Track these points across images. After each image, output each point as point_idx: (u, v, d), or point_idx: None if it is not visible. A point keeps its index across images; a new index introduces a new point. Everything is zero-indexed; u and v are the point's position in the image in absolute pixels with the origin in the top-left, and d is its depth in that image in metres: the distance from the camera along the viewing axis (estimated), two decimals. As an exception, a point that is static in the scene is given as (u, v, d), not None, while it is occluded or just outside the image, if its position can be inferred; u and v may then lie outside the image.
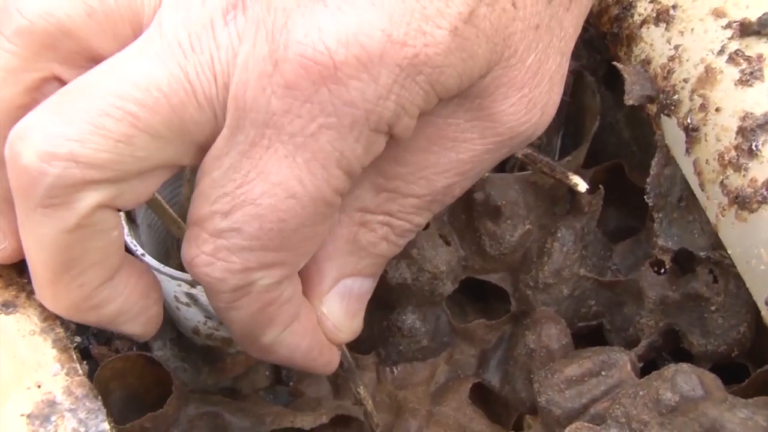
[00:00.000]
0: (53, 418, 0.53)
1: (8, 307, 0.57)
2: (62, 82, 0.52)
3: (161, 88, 0.49)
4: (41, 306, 0.57)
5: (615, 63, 0.69)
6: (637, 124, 0.80)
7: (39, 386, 0.54)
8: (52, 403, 0.53)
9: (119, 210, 0.52)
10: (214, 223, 0.52)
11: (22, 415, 0.53)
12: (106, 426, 0.53)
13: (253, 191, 0.50)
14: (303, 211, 0.51)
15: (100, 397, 0.54)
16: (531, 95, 0.55)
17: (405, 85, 0.49)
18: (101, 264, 0.53)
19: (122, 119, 0.48)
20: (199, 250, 0.52)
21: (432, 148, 0.55)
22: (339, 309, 0.61)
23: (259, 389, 0.75)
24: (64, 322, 0.57)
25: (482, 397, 0.74)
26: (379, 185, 0.57)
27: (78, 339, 0.58)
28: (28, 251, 0.53)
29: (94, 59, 0.52)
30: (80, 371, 0.55)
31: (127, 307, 0.56)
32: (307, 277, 0.59)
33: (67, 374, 0.55)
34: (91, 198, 0.50)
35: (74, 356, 0.56)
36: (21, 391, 0.54)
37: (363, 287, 0.61)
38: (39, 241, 0.51)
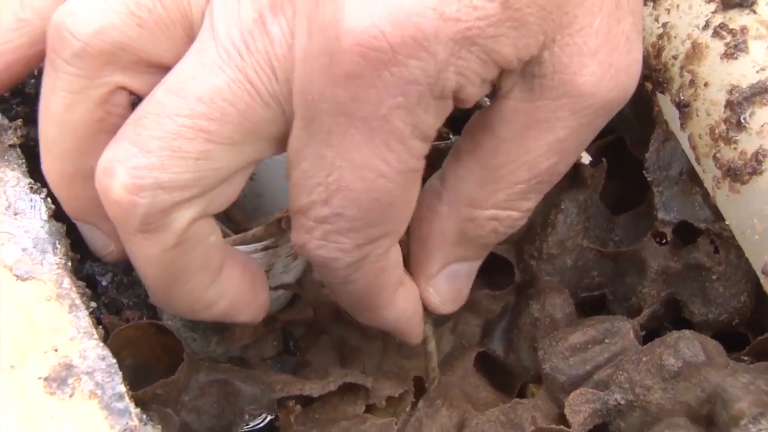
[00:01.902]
0: (70, 381, 0.54)
1: (24, 273, 0.58)
2: (128, 90, 0.54)
3: (225, 97, 0.50)
4: (56, 272, 0.58)
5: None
6: (638, 99, 0.81)
7: (56, 350, 0.55)
8: (68, 367, 0.54)
9: (212, 215, 0.54)
10: (316, 211, 0.53)
11: (40, 378, 0.54)
12: (122, 388, 0.54)
13: (344, 178, 0.52)
14: (394, 185, 0.53)
15: (115, 361, 0.55)
16: (610, 60, 0.54)
17: (461, 56, 0.49)
18: (206, 268, 0.56)
19: (196, 137, 0.50)
20: (310, 236, 0.55)
21: (529, 134, 0.56)
22: (445, 288, 0.64)
23: (266, 359, 0.75)
24: (79, 288, 0.58)
25: (487, 366, 0.75)
26: (483, 178, 0.58)
27: (93, 304, 0.59)
28: (136, 266, 0.56)
29: (153, 65, 0.53)
30: (96, 335, 0.56)
31: (237, 300, 0.58)
32: (415, 261, 0.63)
33: (83, 338, 0.56)
34: (184, 216, 0.52)
35: (90, 321, 0.57)
36: (38, 355, 0.55)
37: (470, 269, 0.65)
38: (145, 260, 0.54)
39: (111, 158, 0.51)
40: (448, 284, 0.65)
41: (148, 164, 0.50)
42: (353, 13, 0.48)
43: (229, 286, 0.58)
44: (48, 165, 0.57)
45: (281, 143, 0.53)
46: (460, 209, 0.60)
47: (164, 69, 0.53)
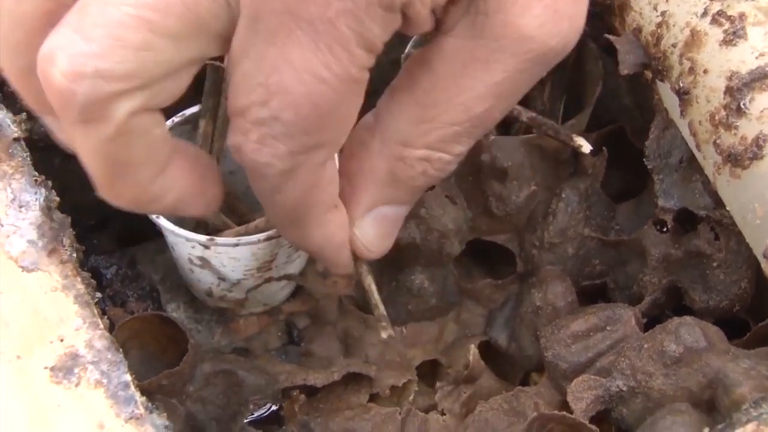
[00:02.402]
0: (76, 371, 0.54)
1: (29, 265, 0.58)
2: None
3: None
4: (62, 264, 0.59)
5: (607, 35, 0.71)
6: (638, 89, 0.81)
7: (62, 340, 0.55)
8: (74, 356, 0.55)
9: (157, 109, 0.53)
10: (253, 112, 0.52)
11: (46, 368, 0.54)
12: (127, 377, 0.54)
13: (284, 80, 0.51)
14: (334, 93, 0.51)
15: (121, 350, 0.56)
16: (555, 6, 0.53)
17: None
18: (150, 161, 0.54)
19: (139, 27, 0.48)
20: (246, 138, 0.53)
21: (466, 73, 0.55)
22: (372, 231, 0.62)
23: (271, 349, 0.76)
24: (84, 279, 0.59)
25: (489, 355, 0.75)
26: (418, 116, 0.57)
27: (99, 295, 0.59)
28: (80, 157, 0.53)
29: None
30: (101, 325, 0.56)
31: (185, 193, 0.56)
32: (342, 199, 0.60)
33: (88, 328, 0.56)
34: (124, 107, 0.50)
35: (95, 311, 0.57)
36: (44, 345, 0.55)
37: (398, 213, 0.62)
38: (86, 151, 0.52)
39: (52, 45, 0.50)
40: (375, 227, 0.63)
41: (89, 52, 0.49)
42: None
43: (176, 180, 0.56)
44: (3, 59, 0.55)
45: (226, 42, 0.52)
46: (391, 147, 0.59)
47: None
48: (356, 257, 0.63)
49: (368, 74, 0.52)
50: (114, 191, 0.55)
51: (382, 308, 0.65)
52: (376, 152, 0.59)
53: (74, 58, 0.49)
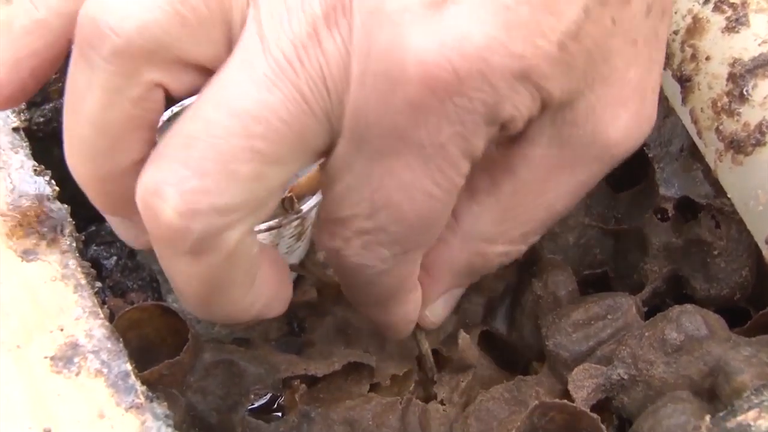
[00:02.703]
0: (76, 360, 0.54)
1: (29, 254, 0.58)
2: (165, 88, 0.51)
3: (282, 117, 0.48)
4: (62, 253, 0.59)
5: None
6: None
7: (62, 330, 0.55)
8: (74, 346, 0.55)
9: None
10: (358, 224, 0.53)
11: (46, 358, 0.54)
12: (128, 366, 0.54)
13: (391, 197, 0.52)
14: (441, 204, 0.53)
15: (121, 340, 0.56)
16: (639, 111, 0.56)
17: (518, 90, 0.50)
18: (247, 279, 0.54)
19: (252, 159, 0.48)
20: (347, 245, 0.55)
21: (552, 177, 0.57)
22: (440, 310, 0.66)
23: (271, 340, 0.76)
24: (84, 268, 0.59)
25: (490, 345, 0.75)
26: (501, 217, 0.59)
27: (99, 284, 0.59)
28: (173, 281, 0.54)
29: (191, 64, 0.51)
30: (101, 315, 0.56)
31: (271, 300, 0.58)
32: (419, 282, 0.62)
33: (88, 318, 0.56)
34: (234, 235, 0.50)
35: (95, 301, 0.57)
36: (44, 334, 0.55)
37: (463, 291, 0.66)
38: (187, 277, 0.52)
39: (159, 180, 0.49)
40: (444, 306, 0.66)
41: (203, 188, 0.48)
42: (419, 40, 0.47)
43: (264, 289, 0.57)
44: (78, 164, 0.54)
45: (324, 154, 0.52)
46: (473, 245, 0.61)
47: (200, 69, 0.51)
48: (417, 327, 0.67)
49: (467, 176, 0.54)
50: (209, 311, 0.55)
51: (431, 374, 0.70)
52: (456, 249, 0.61)
53: (187, 195, 0.48)
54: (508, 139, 0.57)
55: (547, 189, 0.58)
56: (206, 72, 0.51)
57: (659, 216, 0.71)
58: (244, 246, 0.51)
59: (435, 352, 0.72)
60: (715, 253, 0.68)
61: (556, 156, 0.56)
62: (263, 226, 0.66)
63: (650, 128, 0.58)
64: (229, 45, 0.50)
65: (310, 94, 0.48)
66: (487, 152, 0.57)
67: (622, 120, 0.55)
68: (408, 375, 0.71)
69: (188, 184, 0.48)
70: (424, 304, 0.64)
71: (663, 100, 0.69)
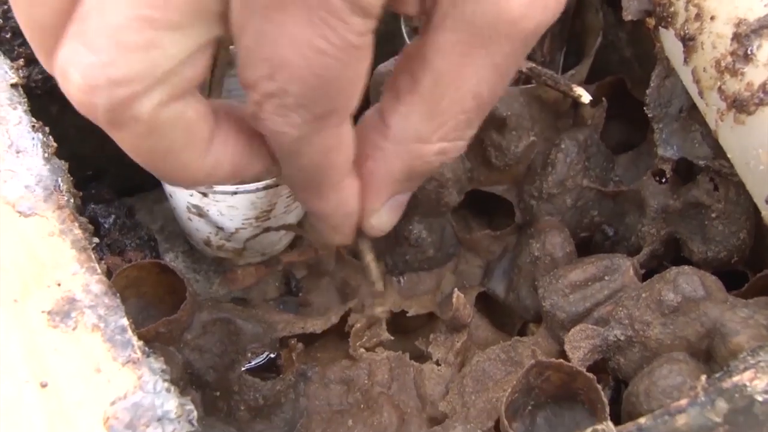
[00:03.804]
0: (73, 315, 0.54)
1: (27, 210, 0.58)
2: None
3: None
4: (59, 209, 0.58)
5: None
6: (638, 42, 0.81)
7: (59, 285, 0.55)
8: (72, 301, 0.55)
9: (184, 94, 0.52)
10: (262, 86, 0.52)
11: (43, 312, 0.54)
12: (124, 321, 0.54)
13: (285, 54, 0.51)
14: (337, 62, 0.51)
15: (118, 295, 0.56)
16: None
17: None
18: (192, 142, 0.54)
19: (141, 28, 0.48)
20: (259, 108, 0.53)
21: (466, 61, 0.56)
22: (386, 217, 0.64)
23: (269, 299, 0.76)
24: (81, 224, 0.59)
25: (487, 306, 0.76)
26: (428, 113, 0.58)
27: (96, 240, 0.59)
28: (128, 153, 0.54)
29: None
30: (99, 270, 0.56)
31: (239, 160, 0.57)
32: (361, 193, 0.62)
33: (85, 273, 0.56)
34: (146, 105, 0.50)
35: (92, 256, 0.57)
36: (42, 289, 0.55)
37: (409, 195, 0.64)
38: (127, 148, 0.53)
39: (63, 60, 0.50)
40: (389, 213, 0.64)
41: (98, 62, 0.48)
42: None
43: (225, 150, 0.57)
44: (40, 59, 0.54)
45: (228, 20, 0.52)
46: (407, 147, 0.60)
47: None
48: (360, 233, 0.65)
49: (371, 38, 0.52)
50: (167, 176, 0.56)
51: (379, 285, 0.66)
52: (391, 154, 0.60)
53: (86, 71, 0.49)
54: (421, 30, 0.56)
55: (466, 75, 0.57)
56: None
57: (657, 179, 0.71)
58: (169, 113, 0.52)
59: (431, 315, 0.72)
60: (713, 215, 0.67)
61: (465, 39, 0.55)
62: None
63: (559, 3, 0.56)
64: None
65: None
66: (407, 51, 0.57)
67: None
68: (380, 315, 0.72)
69: (84, 60, 0.49)
70: (367, 213, 0.63)
71: (663, 60, 0.69)
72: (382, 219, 0.64)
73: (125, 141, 0.52)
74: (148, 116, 0.51)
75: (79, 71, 0.49)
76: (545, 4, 0.55)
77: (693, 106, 0.66)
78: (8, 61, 0.64)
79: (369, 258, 0.67)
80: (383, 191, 0.62)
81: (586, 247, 0.76)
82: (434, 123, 0.58)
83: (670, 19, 0.64)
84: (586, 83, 0.77)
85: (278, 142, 0.56)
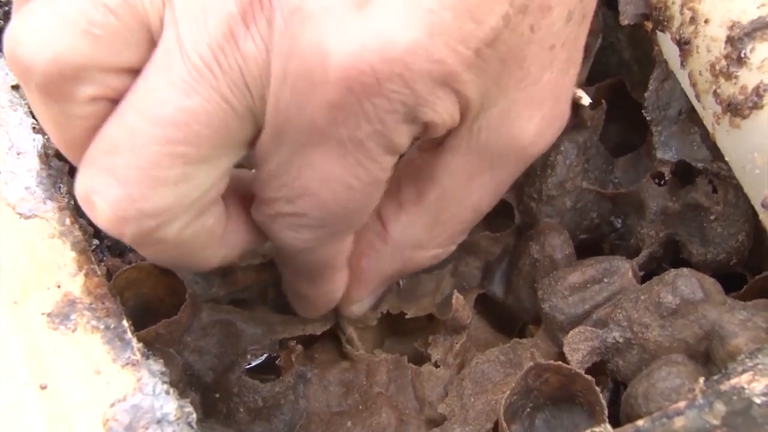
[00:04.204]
0: (73, 317, 0.54)
1: (27, 211, 0.58)
2: (105, 96, 0.51)
3: (201, 119, 0.49)
4: (59, 211, 0.59)
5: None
6: (638, 44, 0.81)
7: (59, 286, 0.56)
8: (71, 303, 0.55)
9: (207, 210, 0.55)
10: (279, 206, 0.55)
11: (43, 314, 0.54)
12: (124, 324, 0.55)
13: (310, 186, 0.53)
14: (362, 195, 0.54)
15: (118, 297, 0.56)
16: (552, 111, 0.58)
17: (438, 94, 0.51)
18: (211, 243, 0.57)
19: (174, 163, 0.49)
20: (272, 222, 0.56)
21: (474, 180, 0.59)
22: (368, 303, 0.68)
23: (268, 301, 0.76)
24: (81, 226, 0.59)
25: (487, 308, 0.75)
26: (430, 224, 0.62)
27: (96, 242, 0.59)
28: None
29: (120, 70, 0.51)
30: (98, 272, 0.56)
31: (248, 240, 0.61)
32: (349, 285, 0.66)
33: (85, 275, 0.56)
34: (172, 230, 0.52)
35: (92, 258, 0.57)
36: (41, 291, 0.55)
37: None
38: (153, 259, 0.59)
39: (89, 188, 0.51)
40: (369, 302, 0.69)
41: (129, 196, 0.49)
42: (341, 41, 0.47)
43: (236, 238, 0.59)
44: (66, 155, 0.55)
45: (254, 143, 0.53)
46: (403, 252, 0.63)
47: (132, 71, 0.51)
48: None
49: (393, 169, 0.55)
50: (187, 271, 0.62)
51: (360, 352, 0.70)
52: (388, 257, 0.64)
53: (114, 204, 0.50)
54: (432, 145, 0.59)
55: (470, 192, 0.60)
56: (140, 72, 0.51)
57: (656, 181, 0.71)
58: (194, 228, 0.54)
59: (431, 317, 0.72)
60: (712, 217, 0.68)
61: (475, 161, 0.58)
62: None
63: (564, 125, 0.60)
64: (153, 45, 0.50)
65: (230, 94, 0.49)
66: (412, 162, 0.60)
67: (535, 121, 0.57)
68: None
69: (114, 192, 0.50)
70: (351, 301, 0.67)
71: (662, 62, 0.69)
72: (363, 307, 0.68)
73: (150, 255, 0.56)
74: (173, 238, 0.53)
75: (108, 202, 0.50)
76: (554, 131, 0.59)
77: (692, 109, 0.66)
78: (9, 63, 0.64)
79: (349, 332, 0.71)
80: (372, 286, 0.66)
81: (586, 247, 0.76)
82: (433, 233, 0.62)
83: (666, 23, 0.65)
84: (585, 85, 0.77)
85: (284, 246, 0.58)
